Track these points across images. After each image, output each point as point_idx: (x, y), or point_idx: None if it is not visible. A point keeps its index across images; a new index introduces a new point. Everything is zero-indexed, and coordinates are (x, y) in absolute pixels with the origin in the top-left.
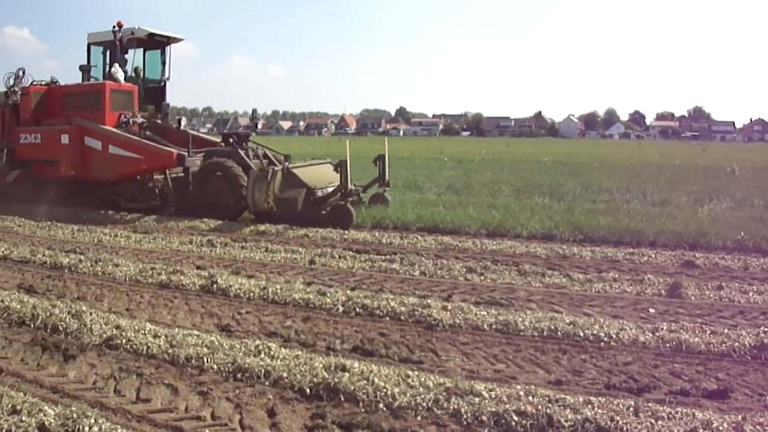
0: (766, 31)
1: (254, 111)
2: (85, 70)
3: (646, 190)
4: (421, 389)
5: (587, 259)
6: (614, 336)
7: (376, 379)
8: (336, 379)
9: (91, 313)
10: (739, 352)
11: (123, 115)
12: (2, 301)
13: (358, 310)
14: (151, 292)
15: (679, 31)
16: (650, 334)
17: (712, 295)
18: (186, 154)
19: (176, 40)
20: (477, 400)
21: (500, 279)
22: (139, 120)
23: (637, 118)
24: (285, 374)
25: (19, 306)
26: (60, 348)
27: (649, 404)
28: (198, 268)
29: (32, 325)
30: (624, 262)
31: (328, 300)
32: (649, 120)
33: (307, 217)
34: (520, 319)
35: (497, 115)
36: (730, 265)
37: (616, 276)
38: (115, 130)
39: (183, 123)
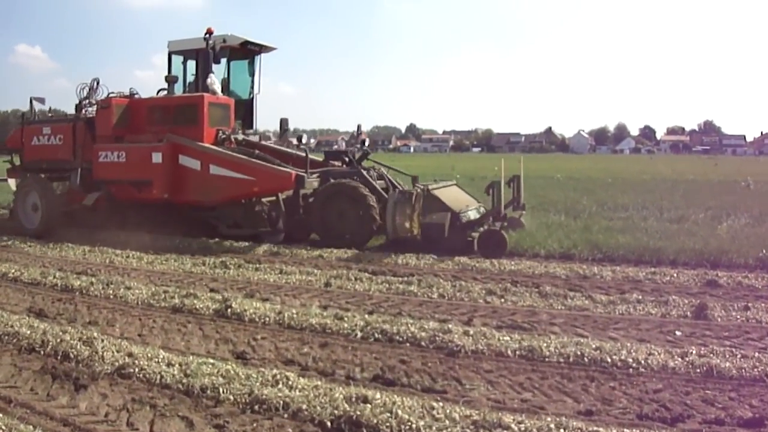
0: None
1: (359, 127)
2: (171, 81)
3: (662, 207)
4: (447, 422)
5: (608, 279)
6: (643, 361)
7: (399, 411)
8: (358, 412)
9: (102, 340)
10: None
11: (221, 131)
12: (12, 326)
13: (377, 335)
14: (164, 316)
15: (689, 45)
16: (680, 359)
17: (738, 317)
18: (305, 175)
19: (269, 49)
20: None
21: (521, 301)
22: (240, 137)
23: (648, 132)
24: (304, 406)
25: (29, 331)
26: (71, 377)
27: None
28: (212, 290)
29: (42, 352)
30: (646, 282)
31: (346, 325)
32: (660, 134)
33: (453, 244)
34: (545, 345)
35: (507, 131)
36: (754, 284)
37: (640, 297)
38: (217, 148)
39: (304, 140)
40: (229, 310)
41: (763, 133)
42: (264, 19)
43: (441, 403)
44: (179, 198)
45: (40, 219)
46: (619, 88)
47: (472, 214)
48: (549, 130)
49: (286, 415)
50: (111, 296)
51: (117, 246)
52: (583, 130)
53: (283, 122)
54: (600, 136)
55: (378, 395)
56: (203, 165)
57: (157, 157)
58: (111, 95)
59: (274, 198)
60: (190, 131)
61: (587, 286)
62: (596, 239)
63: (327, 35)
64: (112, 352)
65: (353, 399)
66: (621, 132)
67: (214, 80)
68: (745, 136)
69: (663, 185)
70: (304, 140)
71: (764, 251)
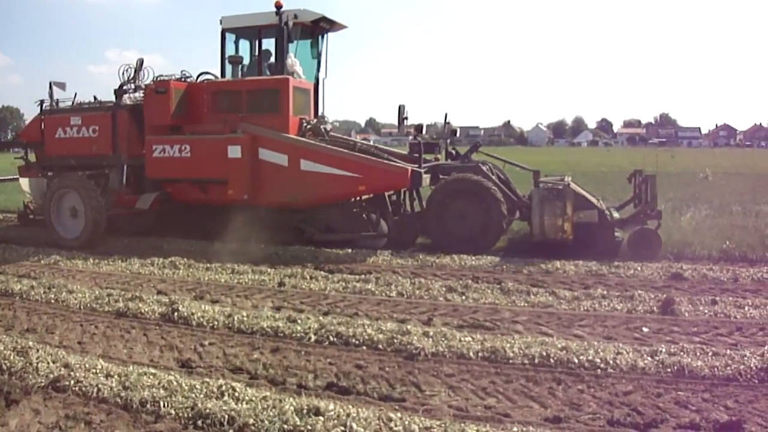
0: (729, 39)
1: (446, 116)
2: (236, 61)
3: (622, 199)
4: None
5: (571, 273)
6: (611, 361)
7: (354, 425)
8: (309, 426)
9: (37, 350)
10: (745, 376)
11: (304, 121)
12: None
13: (331, 338)
14: (107, 321)
15: (645, 39)
16: (649, 358)
17: (706, 311)
18: (421, 171)
19: (340, 27)
20: None
21: (483, 299)
22: (329, 126)
23: (605, 125)
24: (251, 420)
25: None
26: (2, 391)
27: None
28: (159, 292)
29: None
30: (610, 276)
31: (299, 328)
32: (617, 127)
33: (601, 245)
34: (509, 345)
35: (466, 124)
36: (719, 276)
37: (604, 292)
38: (309, 140)
39: (424, 132)
40: (175, 313)
41: (718, 125)
42: (217, 14)
43: (399, 414)
44: (260, 200)
45: (85, 227)
46: (576, 81)
47: (630, 213)
48: (508, 123)
49: (231, 431)
50: (52, 301)
51: (63, 246)
52: (542, 124)
53: (401, 109)
54: (558, 129)
55: (331, 406)
56: (292, 160)
57: (234, 152)
58: (160, 78)
59: (370, 197)
60: (271, 120)
61: (550, 281)
62: None
63: None
64: (48, 362)
65: (304, 411)
66: (578, 125)
67: (295, 61)
68: (700, 129)
69: (621, 177)
70: (424, 131)
71: (728, 243)
